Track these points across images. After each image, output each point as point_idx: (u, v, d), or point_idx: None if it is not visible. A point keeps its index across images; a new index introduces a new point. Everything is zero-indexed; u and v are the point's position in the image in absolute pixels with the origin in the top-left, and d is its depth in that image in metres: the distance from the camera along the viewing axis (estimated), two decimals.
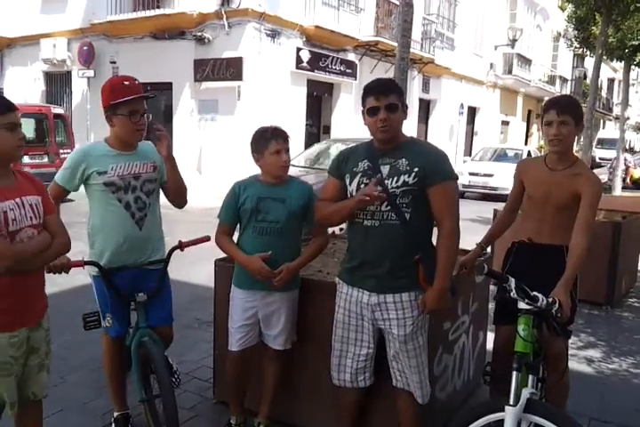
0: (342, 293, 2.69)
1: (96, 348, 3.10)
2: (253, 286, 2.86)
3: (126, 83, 2.81)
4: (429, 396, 2.68)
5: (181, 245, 2.95)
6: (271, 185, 2.87)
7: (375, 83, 2.56)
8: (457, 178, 2.58)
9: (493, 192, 15.12)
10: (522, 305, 2.41)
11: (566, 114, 2.79)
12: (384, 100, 2.46)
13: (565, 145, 2.86)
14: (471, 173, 15.62)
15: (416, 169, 2.45)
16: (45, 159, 11.39)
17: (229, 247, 2.91)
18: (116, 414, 3.12)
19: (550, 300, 2.38)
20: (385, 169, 2.51)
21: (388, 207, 2.47)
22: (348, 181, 2.60)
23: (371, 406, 2.87)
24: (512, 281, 2.39)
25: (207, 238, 3.00)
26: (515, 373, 2.31)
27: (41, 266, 2.36)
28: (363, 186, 2.52)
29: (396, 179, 2.47)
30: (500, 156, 17.06)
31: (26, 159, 10.74)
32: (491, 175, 15.37)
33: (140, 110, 2.83)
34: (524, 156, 15.85)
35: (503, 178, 14.85)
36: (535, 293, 2.38)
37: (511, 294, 2.38)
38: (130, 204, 2.86)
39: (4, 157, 2.23)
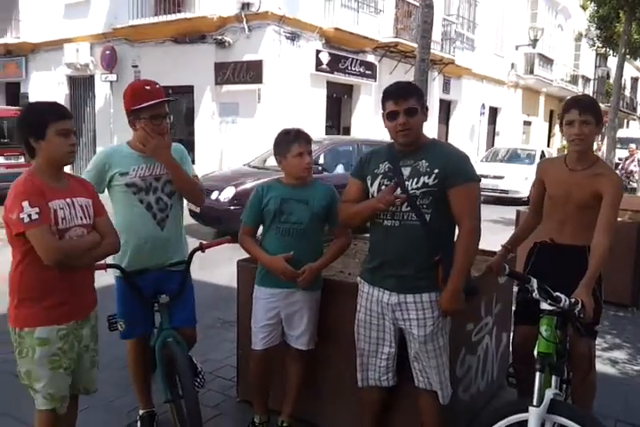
0: (363, 292, 2.70)
1: (121, 347, 3.15)
2: (277, 284, 2.88)
3: (147, 87, 2.84)
4: (450, 396, 2.67)
5: (202, 247, 2.97)
6: (294, 187, 2.90)
7: (394, 87, 2.57)
8: (479, 180, 2.58)
9: (504, 195, 14.50)
10: (544, 306, 2.40)
11: (588, 113, 2.79)
12: (403, 104, 2.48)
13: (587, 144, 2.86)
14: (480, 175, 14.99)
15: (436, 171, 2.46)
16: (21, 159, 11.76)
17: (252, 248, 2.93)
18: (141, 411, 3.17)
19: (573, 300, 2.36)
20: (406, 170, 2.52)
21: (409, 208, 2.49)
22: (369, 183, 2.63)
23: (394, 405, 2.87)
24: (534, 282, 2.38)
25: (228, 240, 3.03)
26: (538, 373, 2.30)
27: (90, 264, 2.47)
28: (383, 187, 2.54)
29: (415, 180, 2.48)
30: (512, 157, 16.28)
31: (1, 160, 11.26)
32: (501, 177, 14.53)
33: (162, 114, 2.87)
34: (537, 157, 15.10)
35: (514, 180, 14.24)
36: (558, 293, 2.37)
37: (533, 294, 2.37)
38: (151, 204, 2.90)
39: (56, 162, 2.36)
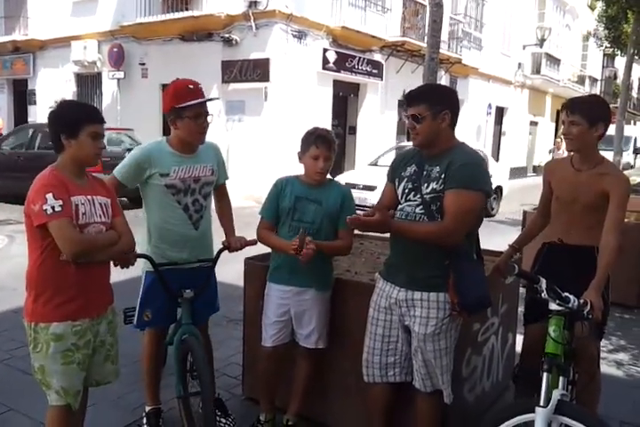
0: (377, 287, 2.73)
1: (128, 342, 3.16)
2: (288, 281, 2.90)
3: (191, 87, 2.85)
4: (451, 398, 2.64)
5: (230, 248, 3.01)
6: (310, 186, 2.91)
7: (409, 91, 2.57)
8: (482, 191, 2.44)
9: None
10: (553, 306, 2.40)
11: (576, 114, 2.80)
12: (409, 110, 2.51)
13: (577, 144, 2.86)
14: (348, 184, 9.28)
15: (442, 176, 2.46)
16: None
17: (271, 237, 2.92)
18: (147, 408, 3.18)
19: (582, 301, 2.37)
20: (425, 175, 2.54)
21: (423, 210, 2.50)
22: (396, 185, 2.65)
23: (404, 403, 2.86)
24: (543, 282, 2.37)
25: (254, 242, 3.02)
26: (545, 374, 2.31)
27: (106, 260, 2.50)
28: (407, 191, 2.57)
29: (426, 185, 2.50)
30: None
31: None
32: (372, 188, 9.98)
33: (204, 113, 2.88)
34: None
35: None
36: (567, 294, 2.38)
37: (542, 294, 2.37)
38: (188, 206, 2.94)
39: (82, 161, 2.42)
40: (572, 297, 2.36)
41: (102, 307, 2.54)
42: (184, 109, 2.81)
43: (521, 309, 3.26)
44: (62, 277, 2.36)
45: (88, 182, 2.48)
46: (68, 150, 2.38)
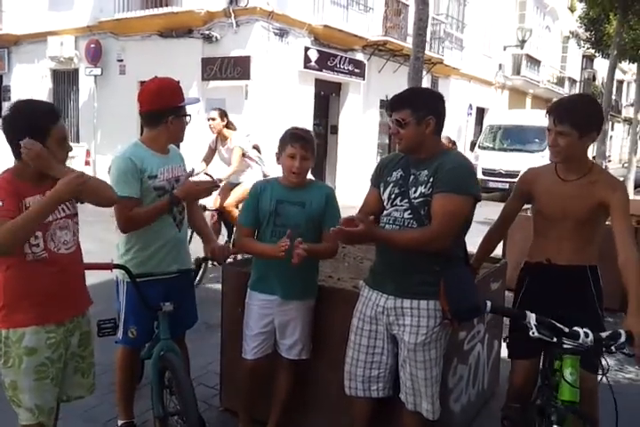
0: (362, 296, 2.63)
1: (99, 353, 3.01)
2: (271, 290, 2.78)
3: (179, 86, 2.95)
4: (439, 412, 2.54)
5: (215, 259, 2.90)
6: (290, 188, 2.77)
7: (393, 96, 2.50)
8: (472, 195, 2.38)
9: None
10: (567, 344, 2.07)
11: (565, 123, 2.42)
12: (393, 115, 2.45)
13: (565, 156, 2.50)
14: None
15: (431, 180, 2.40)
16: None
17: (253, 244, 2.79)
18: (120, 422, 3.04)
19: (622, 333, 2.07)
20: (412, 179, 2.47)
21: (411, 215, 2.43)
22: (381, 190, 2.57)
23: (387, 417, 2.76)
24: (531, 317, 2.04)
25: (238, 252, 2.92)
26: None
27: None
28: (393, 196, 2.50)
29: (414, 189, 2.44)
30: None
31: None
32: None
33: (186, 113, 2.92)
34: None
35: None
36: (576, 328, 2.04)
37: (530, 332, 2.04)
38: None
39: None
40: (581, 331, 2.02)
41: (76, 309, 2.39)
42: (181, 108, 2.81)
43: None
44: (32, 282, 2.22)
45: (48, 180, 2.25)
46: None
